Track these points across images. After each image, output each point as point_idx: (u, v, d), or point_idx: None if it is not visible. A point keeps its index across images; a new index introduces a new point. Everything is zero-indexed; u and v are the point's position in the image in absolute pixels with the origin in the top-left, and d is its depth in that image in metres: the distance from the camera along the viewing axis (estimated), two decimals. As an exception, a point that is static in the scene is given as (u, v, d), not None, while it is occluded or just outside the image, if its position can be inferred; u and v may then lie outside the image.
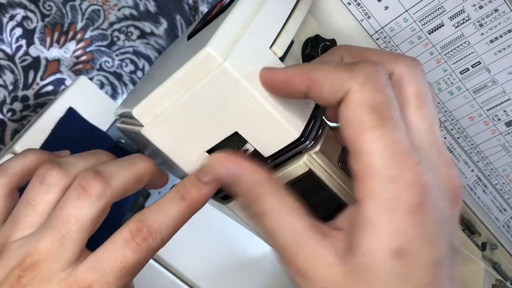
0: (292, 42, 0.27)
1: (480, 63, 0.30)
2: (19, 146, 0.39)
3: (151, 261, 0.43)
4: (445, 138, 0.36)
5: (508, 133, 0.34)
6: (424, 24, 0.29)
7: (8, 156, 0.39)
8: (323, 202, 0.28)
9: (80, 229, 0.24)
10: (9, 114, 0.54)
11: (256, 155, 0.26)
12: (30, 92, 0.56)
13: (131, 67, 0.64)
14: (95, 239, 0.37)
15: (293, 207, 0.23)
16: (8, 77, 0.54)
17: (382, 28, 0.30)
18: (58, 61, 0.58)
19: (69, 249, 0.24)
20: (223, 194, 0.29)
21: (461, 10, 0.28)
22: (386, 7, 0.29)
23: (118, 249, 0.24)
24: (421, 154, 0.21)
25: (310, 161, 0.26)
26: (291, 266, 0.22)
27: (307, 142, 0.25)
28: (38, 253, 0.24)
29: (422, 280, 0.21)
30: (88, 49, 0.60)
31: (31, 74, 0.56)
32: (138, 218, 0.25)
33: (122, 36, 0.63)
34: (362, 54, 0.24)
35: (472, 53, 0.30)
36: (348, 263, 0.21)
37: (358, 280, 0.21)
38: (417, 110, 0.23)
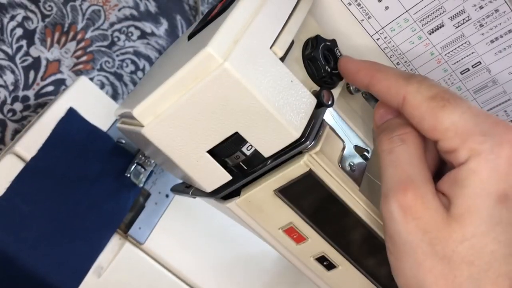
0: (292, 42, 0.27)
1: (481, 63, 0.30)
2: (19, 147, 0.39)
3: (151, 261, 0.43)
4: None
5: (509, 134, 0.34)
6: (425, 25, 0.29)
7: (8, 156, 0.39)
8: (323, 202, 0.28)
9: None
10: (10, 114, 0.54)
11: (256, 155, 0.26)
12: (30, 92, 0.56)
13: (131, 67, 0.64)
14: (91, 236, 0.37)
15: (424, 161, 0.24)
16: (9, 77, 0.54)
17: (383, 28, 0.30)
18: (58, 61, 0.58)
19: None
20: (223, 194, 0.29)
21: (461, 11, 0.28)
22: (387, 7, 0.29)
23: None
24: None
25: (310, 161, 0.26)
26: (398, 199, 0.23)
27: (307, 142, 0.25)
28: None
29: None
30: (88, 50, 0.60)
31: (31, 74, 0.56)
32: None
33: (122, 37, 0.63)
34: None
35: (472, 53, 0.30)
36: (450, 213, 0.22)
37: (460, 224, 0.21)
38: None
